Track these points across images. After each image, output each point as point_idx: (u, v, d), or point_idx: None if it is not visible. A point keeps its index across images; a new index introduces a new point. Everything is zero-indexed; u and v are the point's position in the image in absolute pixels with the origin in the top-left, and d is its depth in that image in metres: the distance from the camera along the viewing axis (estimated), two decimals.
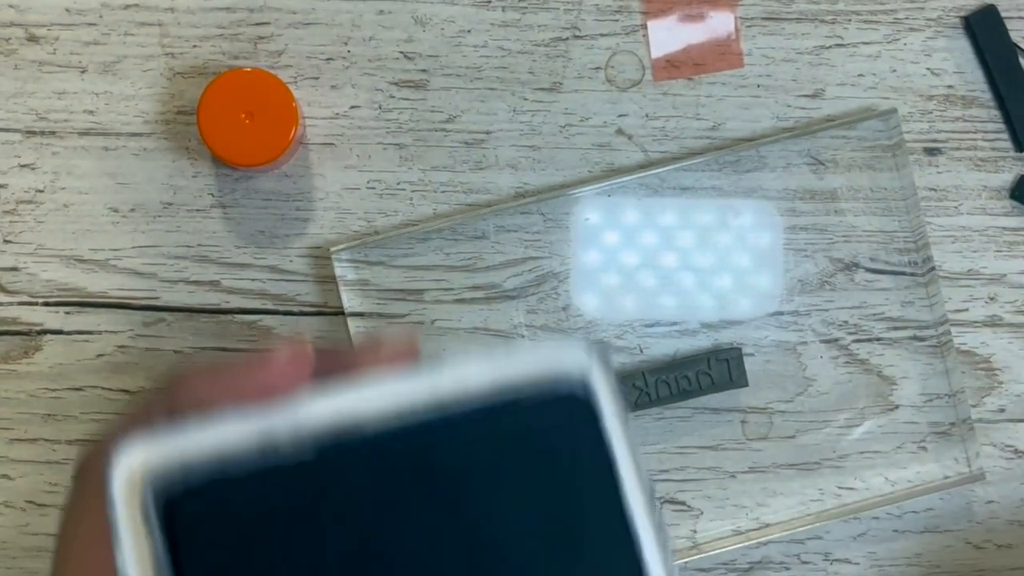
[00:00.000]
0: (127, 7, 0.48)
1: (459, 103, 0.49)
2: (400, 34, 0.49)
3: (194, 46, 0.49)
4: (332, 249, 0.47)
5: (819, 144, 0.48)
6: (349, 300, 0.48)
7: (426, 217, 0.48)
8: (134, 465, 0.27)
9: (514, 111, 0.49)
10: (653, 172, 0.48)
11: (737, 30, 0.49)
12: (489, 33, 0.49)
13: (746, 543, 0.49)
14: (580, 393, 0.27)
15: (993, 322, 0.49)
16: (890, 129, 0.48)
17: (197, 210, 0.49)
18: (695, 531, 0.49)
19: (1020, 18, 0.49)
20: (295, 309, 0.49)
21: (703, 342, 0.49)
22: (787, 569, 0.49)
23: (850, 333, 0.49)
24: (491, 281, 0.49)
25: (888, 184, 0.49)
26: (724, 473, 0.49)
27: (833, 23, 0.49)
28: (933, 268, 0.49)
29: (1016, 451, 0.50)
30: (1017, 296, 0.49)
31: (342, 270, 0.48)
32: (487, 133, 0.49)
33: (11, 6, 0.48)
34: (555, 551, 0.27)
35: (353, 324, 0.48)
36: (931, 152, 0.49)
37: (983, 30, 0.49)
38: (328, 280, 0.49)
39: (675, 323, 0.49)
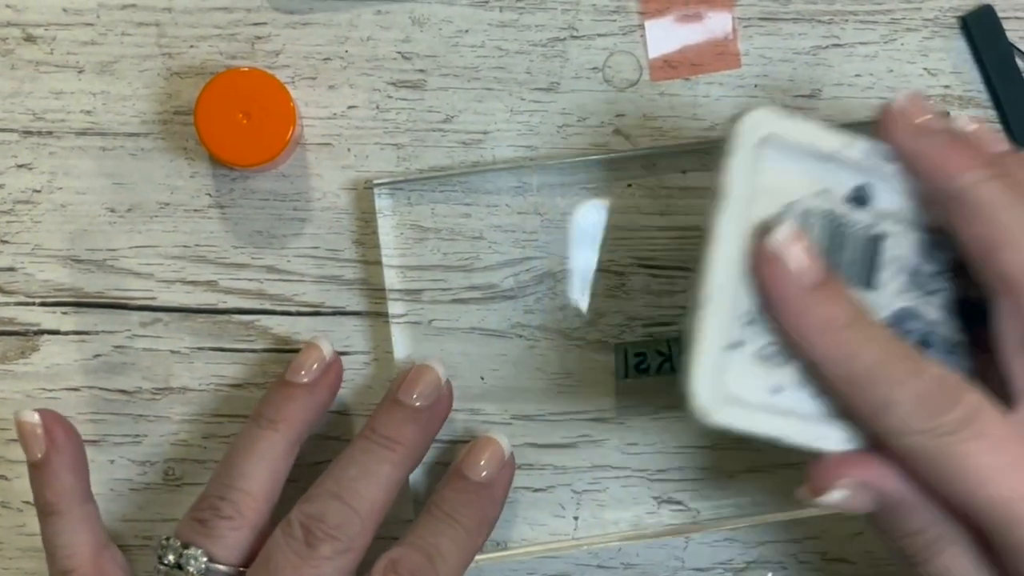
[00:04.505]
0: (124, 7, 0.48)
1: (456, 103, 0.49)
2: (397, 34, 0.49)
3: (191, 46, 0.49)
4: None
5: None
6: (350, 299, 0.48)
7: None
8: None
9: (511, 111, 0.49)
10: (650, 150, 0.48)
11: (734, 30, 0.49)
12: (486, 33, 0.49)
13: (743, 542, 0.49)
14: None
15: None
16: None
17: (194, 210, 0.49)
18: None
19: (1017, 18, 0.49)
20: (292, 309, 0.49)
21: None
22: (784, 568, 0.50)
23: None
24: (488, 281, 0.49)
25: None
26: (722, 473, 0.49)
27: (830, 23, 0.49)
28: None
29: None
30: None
31: (340, 269, 0.48)
32: (484, 133, 0.49)
33: (8, 6, 0.48)
34: None
35: (350, 323, 0.48)
36: None
37: (980, 30, 0.49)
38: (325, 280, 0.49)
39: (672, 322, 0.49)
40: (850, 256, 0.40)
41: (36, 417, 0.44)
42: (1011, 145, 0.42)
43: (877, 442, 0.38)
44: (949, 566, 0.39)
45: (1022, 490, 0.37)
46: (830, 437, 0.39)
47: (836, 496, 0.39)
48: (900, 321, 0.41)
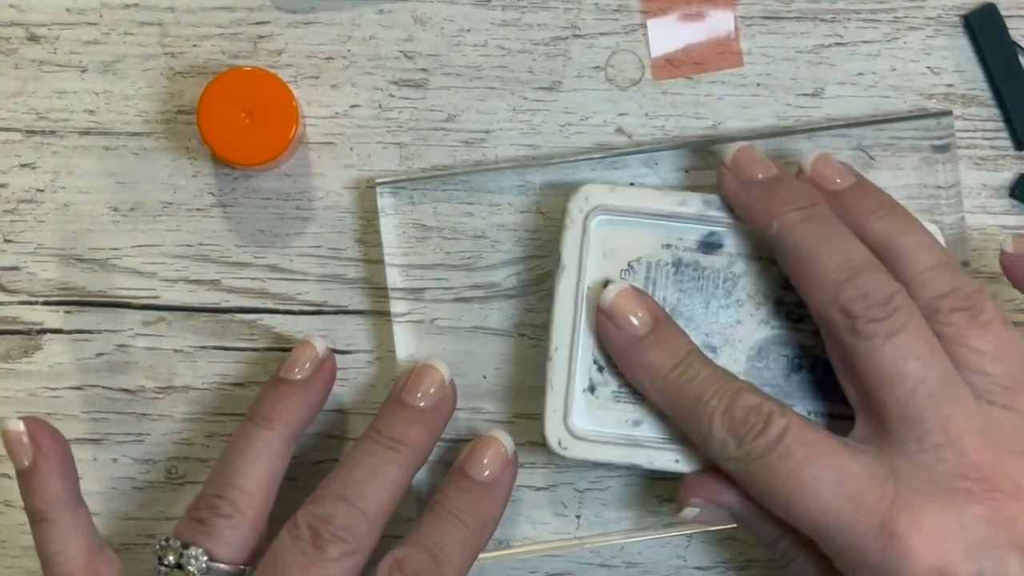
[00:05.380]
0: (127, 7, 0.49)
1: (459, 102, 0.49)
2: (400, 33, 0.49)
3: (194, 45, 0.49)
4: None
5: (864, 140, 0.48)
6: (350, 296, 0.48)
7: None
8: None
9: (514, 110, 0.49)
10: (652, 149, 0.48)
11: (736, 29, 0.49)
12: (489, 32, 0.49)
13: (745, 541, 0.49)
14: None
15: None
16: (941, 129, 0.48)
17: (197, 209, 0.49)
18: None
19: (1020, 17, 0.49)
20: (295, 308, 0.49)
21: None
22: (786, 566, 0.49)
23: None
24: (491, 280, 0.49)
25: (928, 182, 0.48)
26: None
27: (833, 22, 0.49)
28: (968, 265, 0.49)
29: None
30: (1016, 294, 0.49)
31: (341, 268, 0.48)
32: (487, 132, 0.49)
33: (12, 5, 0.48)
34: None
35: (352, 321, 0.48)
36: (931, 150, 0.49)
37: (983, 29, 0.49)
38: (328, 279, 0.49)
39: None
40: (706, 296, 0.46)
41: (21, 425, 0.44)
42: (856, 178, 0.44)
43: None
44: (803, 571, 0.44)
45: (826, 503, 0.40)
46: (685, 460, 0.45)
47: (690, 513, 0.44)
48: (766, 349, 0.45)
